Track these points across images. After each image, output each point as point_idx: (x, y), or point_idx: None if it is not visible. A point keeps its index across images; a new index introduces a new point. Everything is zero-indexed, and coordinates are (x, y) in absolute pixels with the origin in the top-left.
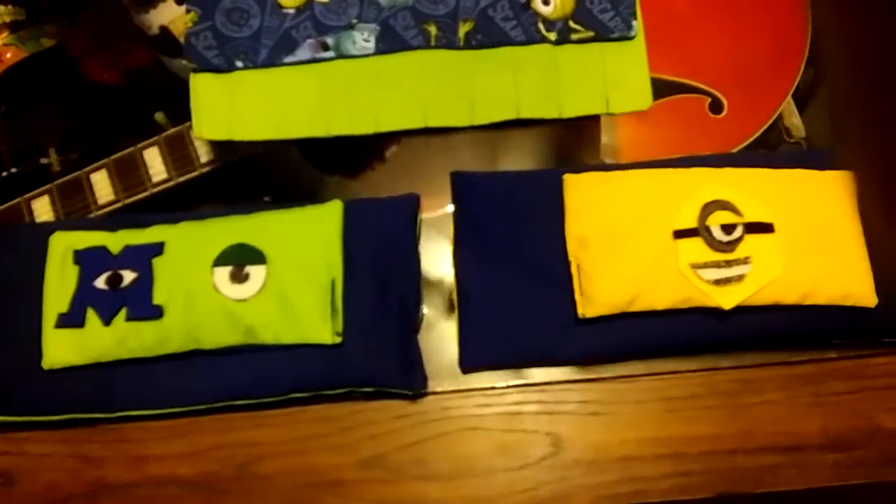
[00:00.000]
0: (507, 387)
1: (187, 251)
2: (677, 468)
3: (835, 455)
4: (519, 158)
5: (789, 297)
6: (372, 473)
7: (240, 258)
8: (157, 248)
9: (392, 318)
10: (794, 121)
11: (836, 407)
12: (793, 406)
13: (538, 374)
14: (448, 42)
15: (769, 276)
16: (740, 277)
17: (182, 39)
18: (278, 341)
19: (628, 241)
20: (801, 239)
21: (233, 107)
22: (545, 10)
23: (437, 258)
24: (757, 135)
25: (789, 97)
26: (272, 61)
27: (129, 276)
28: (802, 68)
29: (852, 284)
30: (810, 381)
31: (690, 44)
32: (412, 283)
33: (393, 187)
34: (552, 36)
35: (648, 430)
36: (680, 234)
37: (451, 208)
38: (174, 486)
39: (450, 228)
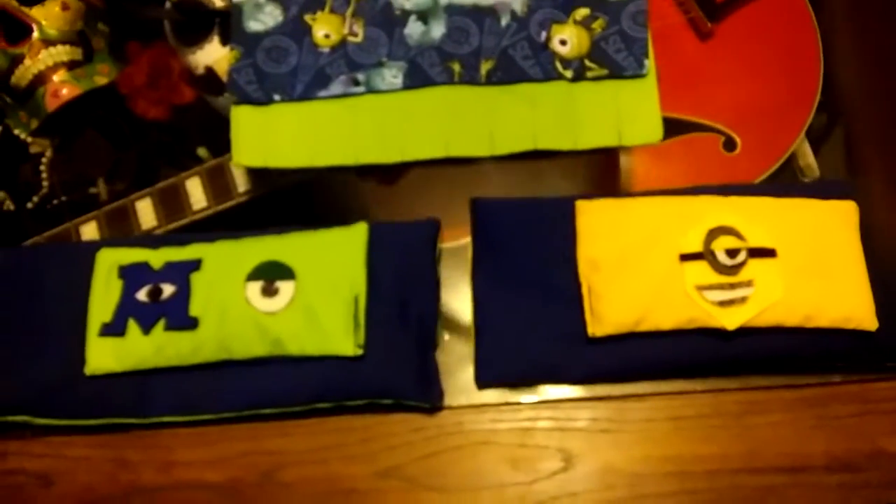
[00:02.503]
0: (520, 403)
1: (223, 267)
2: (684, 486)
3: (838, 476)
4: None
5: (791, 319)
6: (388, 484)
7: (271, 274)
8: (195, 264)
9: (411, 334)
10: (809, 161)
11: (840, 429)
12: (798, 428)
13: (550, 391)
14: (470, 78)
15: (771, 298)
16: (743, 299)
17: (225, 78)
18: (304, 352)
19: (637, 263)
20: (803, 264)
21: (269, 137)
22: (562, 50)
23: (457, 283)
24: (770, 172)
25: (804, 138)
26: (307, 95)
27: (168, 290)
28: (815, 109)
29: (853, 308)
30: (815, 403)
31: (704, 84)
32: (431, 301)
33: (417, 216)
34: (568, 73)
35: (656, 447)
36: (686, 257)
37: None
38: (202, 490)
39: (468, 255)
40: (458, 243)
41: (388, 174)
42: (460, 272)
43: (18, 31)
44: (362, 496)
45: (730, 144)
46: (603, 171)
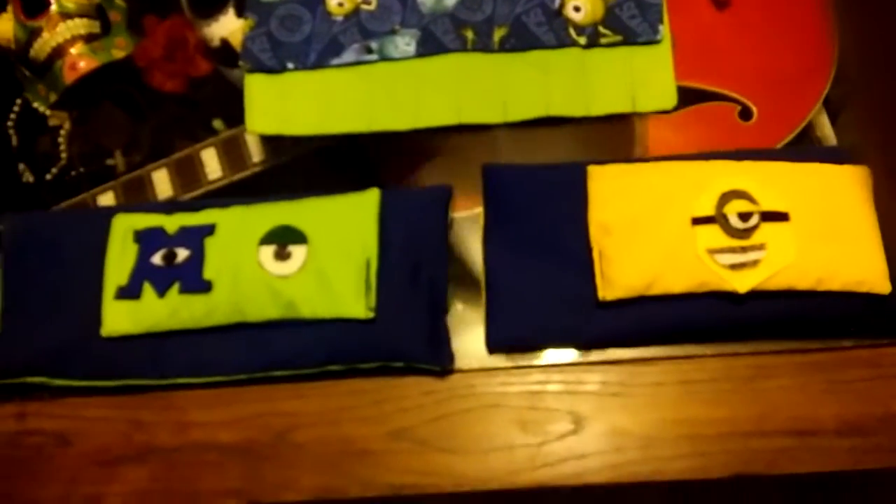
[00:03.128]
0: (530, 367)
1: (236, 231)
2: (694, 449)
3: (849, 440)
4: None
5: (803, 282)
6: (400, 445)
7: (284, 238)
8: (209, 229)
9: (422, 298)
10: (826, 132)
11: (850, 394)
12: (808, 392)
13: (560, 355)
14: (483, 46)
15: (783, 261)
16: (755, 262)
17: (240, 50)
18: (316, 315)
19: (648, 227)
20: (816, 228)
21: (283, 104)
22: (576, 17)
23: (469, 251)
24: (786, 142)
25: (821, 108)
26: (320, 63)
27: (182, 254)
28: (831, 79)
29: (866, 271)
30: (826, 368)
31: (721, 53)
32: (442, 266)
33: (430, 184)
34: (582, 40)
35: (667, 411)
36: (698, 220)
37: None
38: (216, 450)
39: (481, 224)
40: (471, 212)
41: (401, 142)
42: (473, 241)
43: (36, 4)
44: (374, 457)
45: (746, 114)
46: (617, 140)
